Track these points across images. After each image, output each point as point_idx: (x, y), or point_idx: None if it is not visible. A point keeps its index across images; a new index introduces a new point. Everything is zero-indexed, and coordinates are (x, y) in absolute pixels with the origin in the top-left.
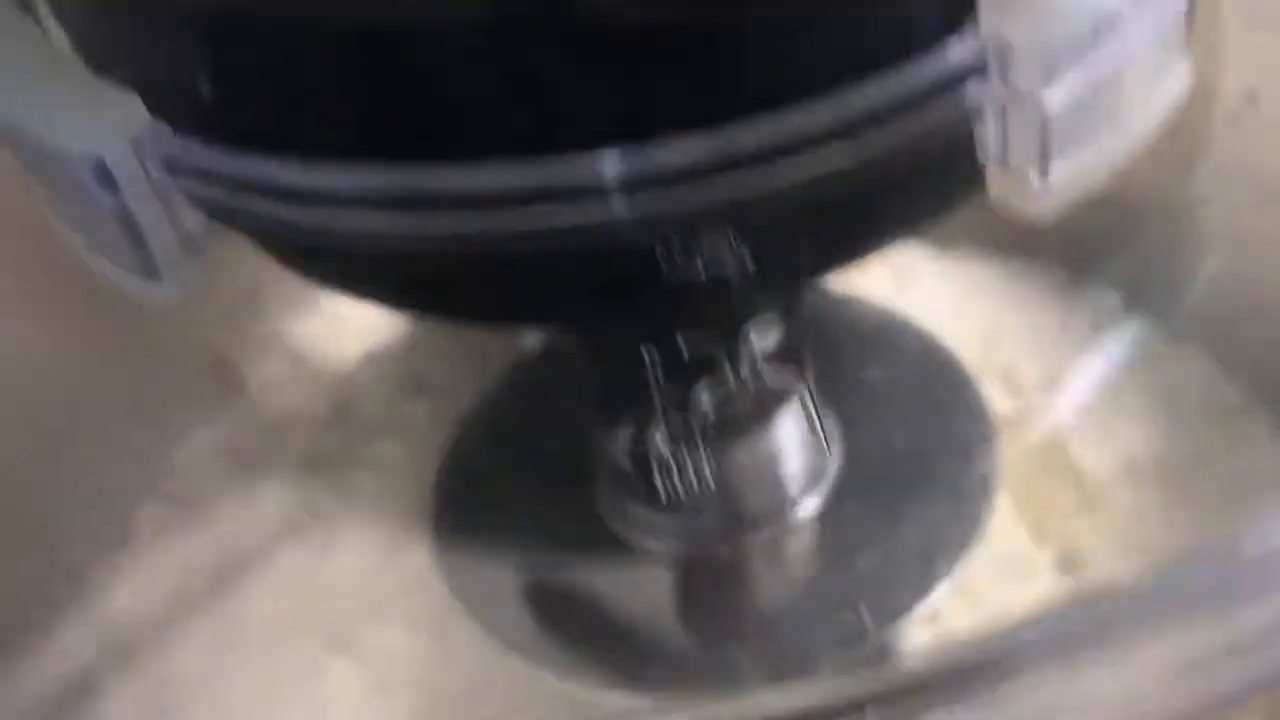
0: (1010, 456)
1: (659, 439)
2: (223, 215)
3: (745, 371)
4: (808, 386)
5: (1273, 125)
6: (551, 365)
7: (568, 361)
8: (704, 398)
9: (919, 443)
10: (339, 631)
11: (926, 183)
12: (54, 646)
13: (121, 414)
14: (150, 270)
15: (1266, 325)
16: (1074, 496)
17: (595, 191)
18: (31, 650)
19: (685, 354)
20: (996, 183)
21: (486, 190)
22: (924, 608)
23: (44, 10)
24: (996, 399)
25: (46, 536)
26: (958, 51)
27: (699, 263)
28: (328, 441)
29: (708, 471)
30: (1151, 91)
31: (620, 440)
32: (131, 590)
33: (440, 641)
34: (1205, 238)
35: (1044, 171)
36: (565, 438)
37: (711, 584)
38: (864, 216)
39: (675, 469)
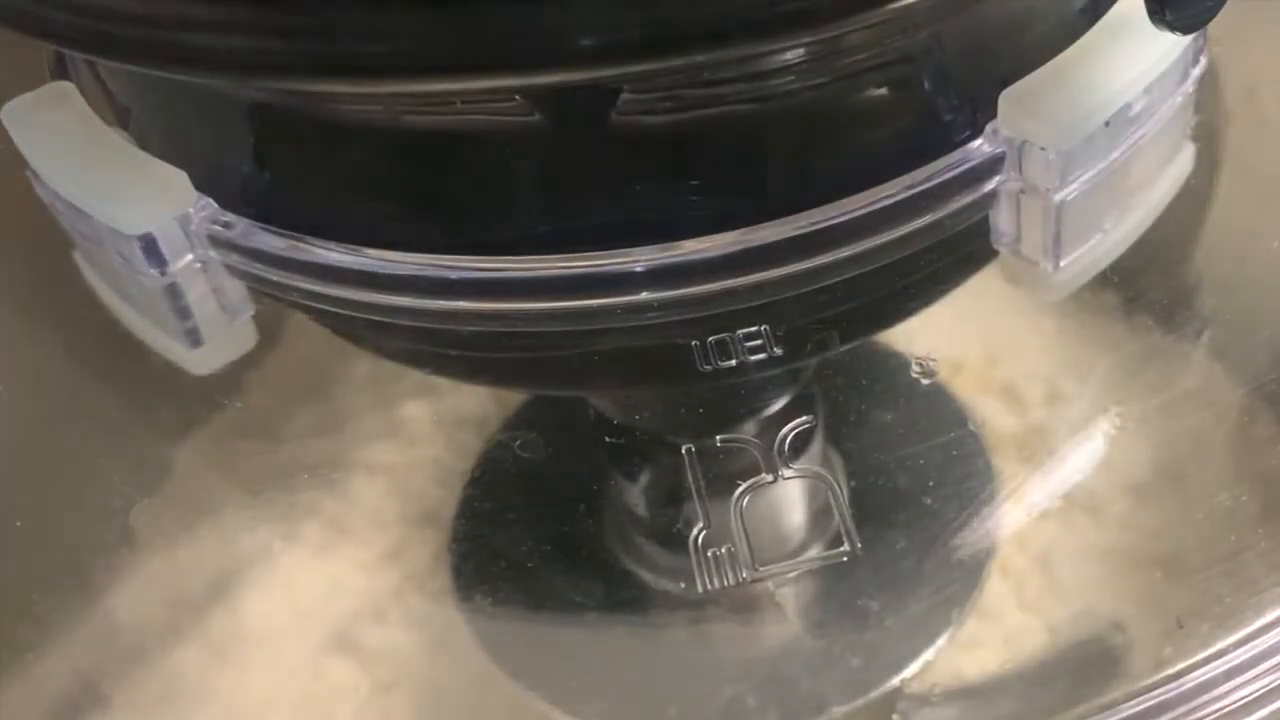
0: (1012, 486)
1: (697, 530)
2: (265, 287)
3: (781, 471)
4: (835, 483)
5: (1272, 124)
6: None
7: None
8: (740, 491)
9: (922, 487)
10: (339, 632)
11: (947, 265)
12: (56, 649)
13: (118, 413)
14: (194, 339)
15: (1267, 325)
16: (1078, 522)
17: (628, 282)
18: (33, 652)
19: (723, 455)
20: (1010, 267)
21: (524, 280)
22: (931, 653)
23: (93, 88)
24: (999, 417)
25: (45, 538)
26: (977, 149)
27: (730, 348)
28: (326, 442)
29: (734, 528)
30: (1159, 175)
31: (638, 482)
32: (132, 592)
33: (440, 641)
34: (1204, 238)
35: (1056, 258)
36: (580, 473)
37: (721, 625)
38: (884, 299)
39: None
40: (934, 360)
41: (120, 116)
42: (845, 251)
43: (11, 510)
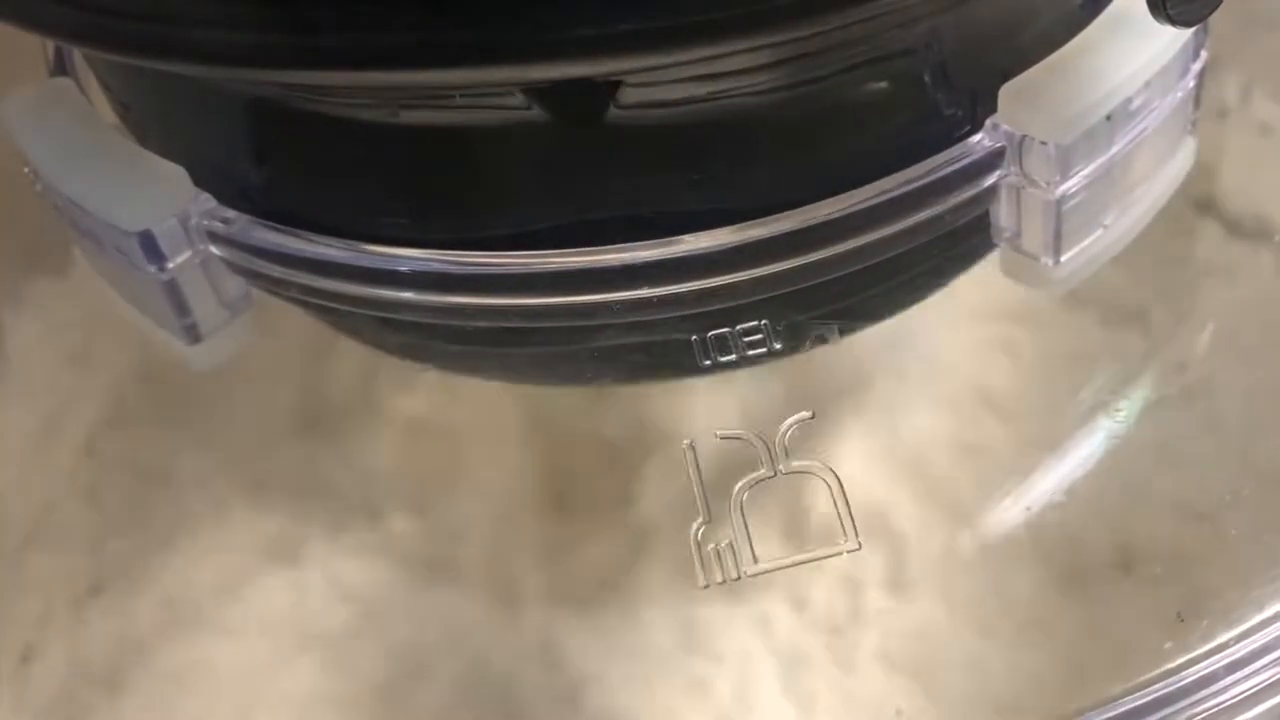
0: (1012, 482)
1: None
2: (264, 283)
3: (781, 466)
4: (835, 477)
5: (1272, 121)
6: None
7: None
8: (740, 485)
9: (922, 482)
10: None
11: (947, 260)
12: (63, 645)
13: (117, 410)
14: (193, 335)
15: (1268, 320)
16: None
17: (627, 278)
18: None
19: (723, 449)
20: (1009, 262)
21: (523, 275)
22: (930, 649)
23: (92, 85)
24: (1000, 412)
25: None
26: (977, 144)
27: (729, 343)
28: (326, 439)
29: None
30: (1160, 170)
31: (636, 476)
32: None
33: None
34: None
35: (1056, 253)
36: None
37: (720, 620)
38: (885, 294)
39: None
40: (934, 355)
41: (119, 113)
42: (845, 246)
43: (11, 516)
